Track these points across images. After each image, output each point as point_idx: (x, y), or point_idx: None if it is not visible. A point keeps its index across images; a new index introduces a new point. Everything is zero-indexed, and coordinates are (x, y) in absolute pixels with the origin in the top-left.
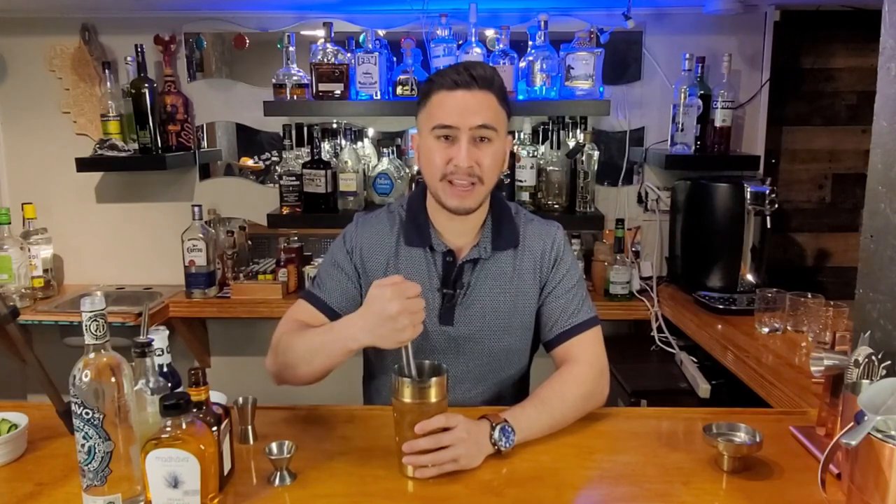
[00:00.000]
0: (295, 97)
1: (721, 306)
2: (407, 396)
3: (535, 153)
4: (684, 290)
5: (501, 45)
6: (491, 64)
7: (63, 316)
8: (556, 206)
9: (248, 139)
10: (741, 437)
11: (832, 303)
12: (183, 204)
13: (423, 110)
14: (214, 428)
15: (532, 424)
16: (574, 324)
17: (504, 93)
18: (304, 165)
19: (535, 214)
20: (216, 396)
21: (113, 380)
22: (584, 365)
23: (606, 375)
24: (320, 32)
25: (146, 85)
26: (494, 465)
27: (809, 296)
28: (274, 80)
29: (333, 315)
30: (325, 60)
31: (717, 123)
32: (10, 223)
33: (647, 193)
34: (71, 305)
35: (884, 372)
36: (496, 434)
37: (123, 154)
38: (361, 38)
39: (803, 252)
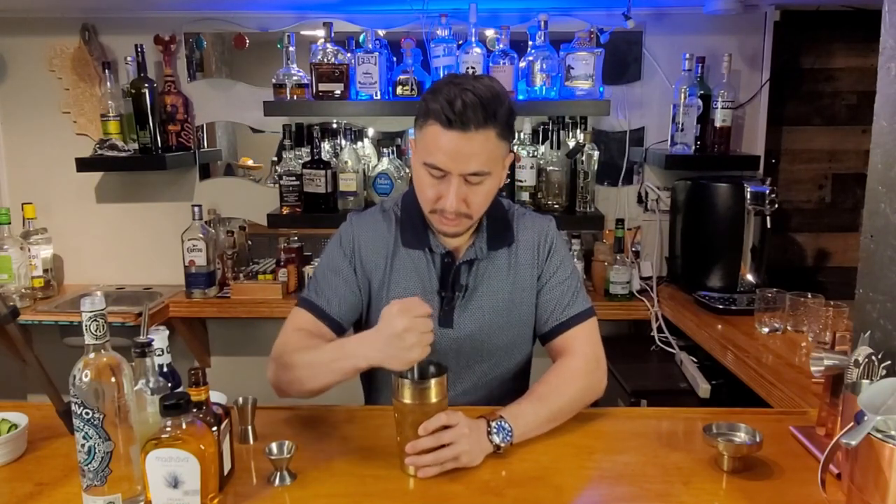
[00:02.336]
0: (295, 97)
1: (721, 306)
2: (407, 397)
3: (535, 153)
4: (684, 290)
5: (501, 45)
6: (499, 66)
7: (63, 316)
8: (556, 206)
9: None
10: (741, 437)
11: (832, 303)
12: (183, 204)
13: (419, 134)
14: (214, 428)
15: (529, 421)
16: (569, 315)
17: (508, 118)
18: (304, 165)
19: (527, 209)
20: (216, 396)
21: (113, 380)
22: (579, 358)
23: (603, 367)
24: (320, 32)
25: (146, 85)
26: (494, 465)
27: (809, 296)
28: (274, 80)
29: (334, 324)
30: (325, 60)
31: (717, 123)
32: (10, 223)
33: (647, 193)
34: (71, 305)
35: (884, 372)
36: (493, 431)
37: (123, 154)
38: (361, 38)
39: (803, 252)
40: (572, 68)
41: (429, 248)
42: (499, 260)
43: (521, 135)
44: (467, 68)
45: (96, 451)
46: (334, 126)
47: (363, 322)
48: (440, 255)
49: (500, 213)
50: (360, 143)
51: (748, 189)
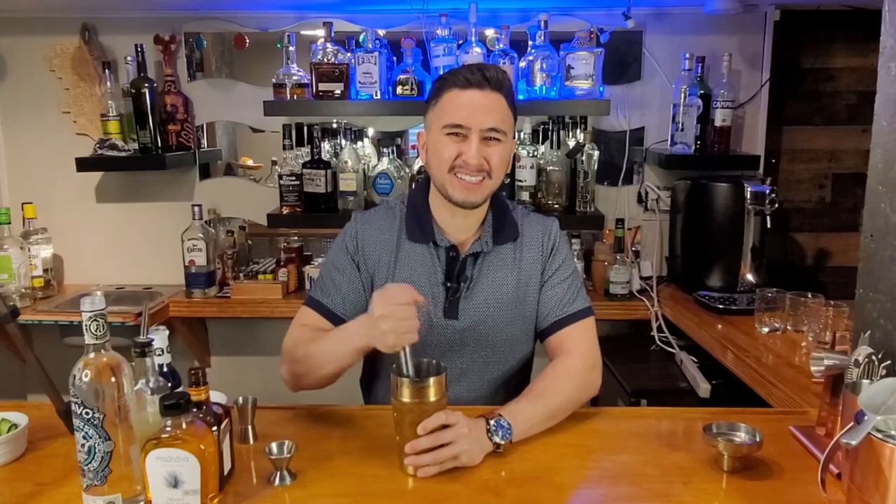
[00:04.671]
0: (295, 97)
1: (721, 306)
2: (406, 396)
3: (535, 153)
4: (684, 289)
5: (501, 45)
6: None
7: (63, 316)
8: (556, 205)
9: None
10: (741, 437)
11: (832, 303)
12: (183, 204)
13: (434, 108)
14: (214, 428)
15: (528, 418)
16: (568, 313)
17: (513, 96)
18: (304, 165)
19: (529, 210)
20: (216, 396)
21: (113, 380)
22: (576, 357)
23: (599, 366)
24: (320, 32)
25: (146, 85)
26: (494, 465)
27: (809, 296)
28: (274, 80)
29: (339, 321)
30: (325, 60)
31: (717, 123)
32: (10, 223)
33: (647, 193)
34: (71, 305)
35: (884, 372)
36: (493, 429)
37: (123, 154)
38: (361, 37)
39: (803, 252)
40: (572, 68)
41: (434, 242)
42: (504, 254)
43: (521, 135)
44: None
45: (96, 451)
46: (334, 126)
47: None
48: (445, 248)
49: (505, 209)
50: (360, 143)
51: (748, 189)
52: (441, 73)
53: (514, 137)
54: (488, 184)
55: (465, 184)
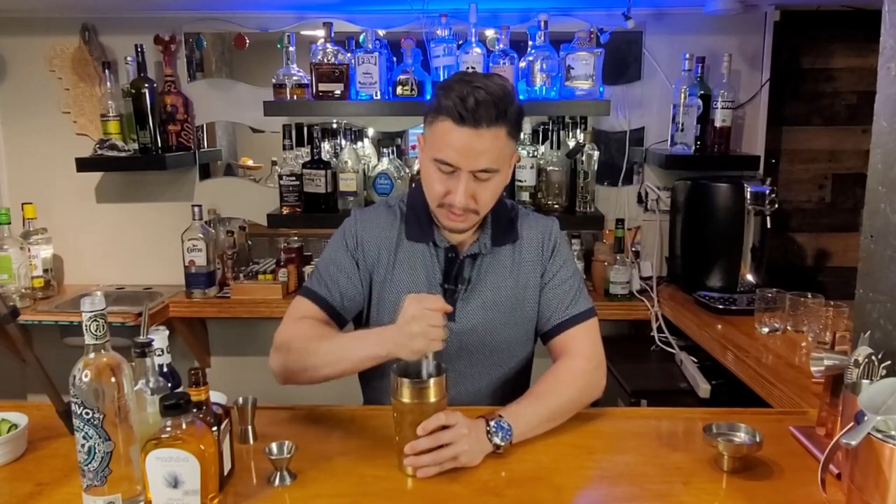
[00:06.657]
0: (295, 97)
1: (721, 306)
2: (406, 396)
3: (535, 153)
4: (684, 290)
5: (501, 45)
6: (499, 66)
7: (63, 316)
8: (556, 206)
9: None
10: (741, 437)
11: (832, 303)
12: (183, 204)
13: (429, 130)
14: (214, 428)
15: (529, 420)
16: (570, 315)
17: (518, 117)
18: (304, 165)
19: (529, 210)
20: (216, 396)
21: (113, 380)
22: (579, 358)
23: (603, 367)
24: (320, 32)
25: (146, 85)
26: (494, 466)
27: (809, 296)
28: (274, 80)
29: (336, 315)
30: (325, 60)
31: (717, 123)
32: (10, 223)
33: (647, 193)
34: (71, 305)
35: (884, 372)
36: (493, 430)
37: (123, 154)
38: (361, 38)
39: (803, 252)
40: (572, 68)
41: (433, 243)
42: (502, 256)
43: (522, 135)
44: (467, 68)
45: (96, 451)
46: (334, 126)
47: (365, 316)
48: (444, 249)
49: (504, 211)
50: (360, 143)
51: (748, 189)
52: (441, 74)
53: (518, 142)
54: (475, 217)
55: (451, 216)
